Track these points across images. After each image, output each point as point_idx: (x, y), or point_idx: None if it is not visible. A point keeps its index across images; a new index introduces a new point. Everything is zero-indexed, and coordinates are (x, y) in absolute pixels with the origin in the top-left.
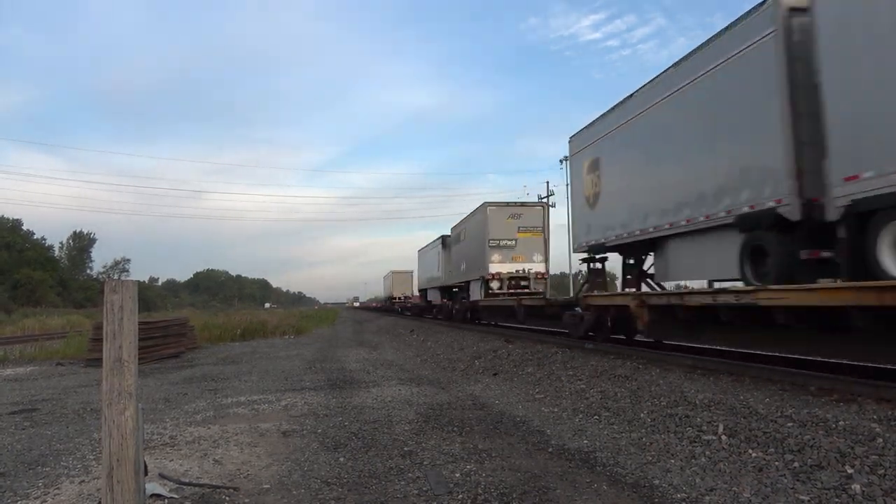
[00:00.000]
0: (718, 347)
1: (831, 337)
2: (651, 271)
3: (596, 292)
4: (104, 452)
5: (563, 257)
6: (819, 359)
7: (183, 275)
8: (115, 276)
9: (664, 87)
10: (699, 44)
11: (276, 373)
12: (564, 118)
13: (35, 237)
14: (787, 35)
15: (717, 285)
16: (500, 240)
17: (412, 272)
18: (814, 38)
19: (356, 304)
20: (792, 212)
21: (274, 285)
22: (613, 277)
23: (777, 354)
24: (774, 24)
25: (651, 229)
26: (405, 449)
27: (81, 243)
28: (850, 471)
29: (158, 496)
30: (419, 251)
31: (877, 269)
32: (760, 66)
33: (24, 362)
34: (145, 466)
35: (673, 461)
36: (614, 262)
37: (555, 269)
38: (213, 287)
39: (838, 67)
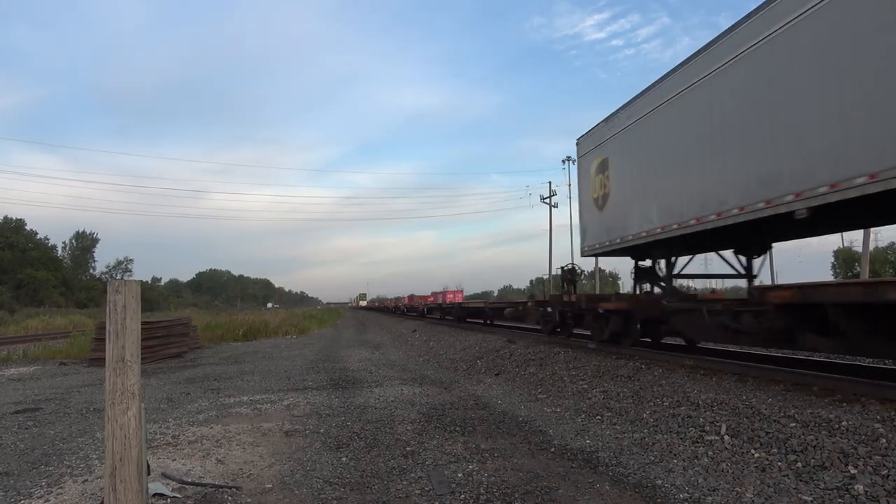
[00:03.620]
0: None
1: None
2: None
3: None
4: (107, 452)
5: (567, 258)
6: (821, 359)
7: (186, 275)
8: (118, 277)
9: (679, 80)
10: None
11: (279, 372)
12: (567, 118)
13: (38, 237)
14: None
15: None
16: None
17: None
18: None
19: (362, 304)
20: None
21: (276, 285)
22: (616, 277)
23: (779, 355)
24: None
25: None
26: (408, 449)
27: (84, 243)
28: (853, 471)
29: (161, 495)
30: None
31: None
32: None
33: (27, 362)
34: (148, 466)
35: (676, 461)
36: (618, 264)
37: (557, 270)
38: (215, 287)
39: None
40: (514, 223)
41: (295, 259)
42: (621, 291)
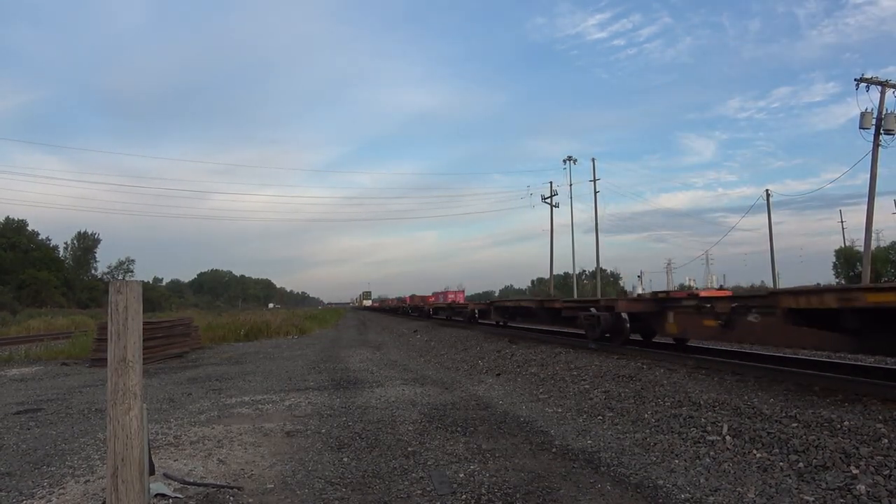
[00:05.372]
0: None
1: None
2: None
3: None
4: (109, 452)
5: (567, 258)
6: (822, 359)
7: (187, 275)
8: (120, 277)
9: None
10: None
11: (280, 373)
12: (568, 118)
13: (40, 238)
14: None
15: None
16: None
17: None
18: None
19: (367, 304)
20: None
21: (278, 285)
22: (617, 277)
23: (780, 355)
24: None
25: None
26: (409, 449)
27: (86, 244)
28: (855, 471)
29: (163, 496)
30: None
31: None
32: None
33: (29, 362)
34: (151, 466)
35: (677, 461)
36: (619, 263)
37: (558, 270)
38: (217, 287)
39: None
40: (515, 223)
41: (296, 259)
42: (623, 290)
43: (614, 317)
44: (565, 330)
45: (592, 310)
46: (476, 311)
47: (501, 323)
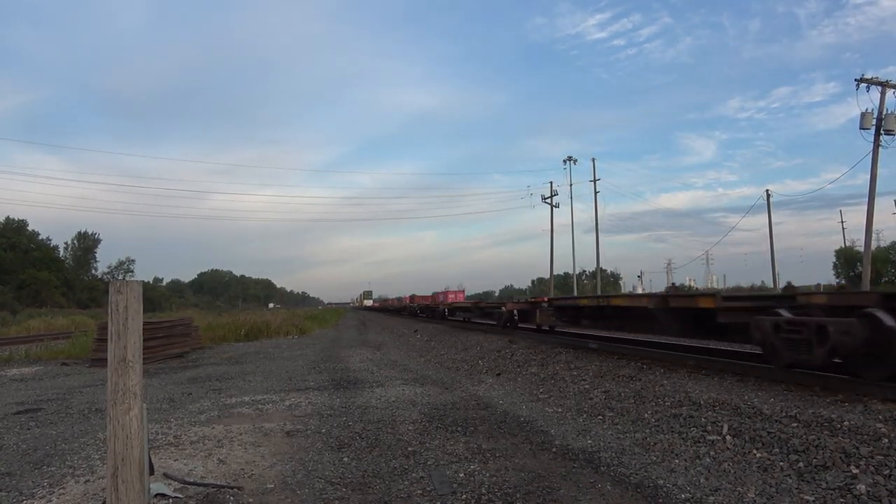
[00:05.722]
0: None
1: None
2: None
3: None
4: (109, 452)
5: (567, 258)
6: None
7: (187, 275)
8: (120, 277)
9: None
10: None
11: (280, 373)
12: (569, 118)
13: (40, 238)
14: None
15: None
16: None
17: None
18: None
19: (368, 304)
20: None
21: (278, 285)
22: (618, 277)
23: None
24: None
25: None
26: (409, 449)
27: (86, 244)
28: (855, 471)
29: (163, 496)
30: None
31: None
32: None
33: (29, 362)
34: (151, 466)
35: (677, 461)
36: (619, 263)
37: (558, 270)
38: (217, 287)
39: None
40: (515, 223)
41: (296, 259)
42: (623, 290)
43: (866, 326)
44: (715, 346)
45: (782, 312)
46: (516, 313)
47: (547, 328)
